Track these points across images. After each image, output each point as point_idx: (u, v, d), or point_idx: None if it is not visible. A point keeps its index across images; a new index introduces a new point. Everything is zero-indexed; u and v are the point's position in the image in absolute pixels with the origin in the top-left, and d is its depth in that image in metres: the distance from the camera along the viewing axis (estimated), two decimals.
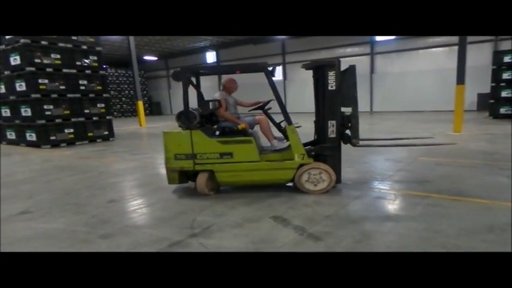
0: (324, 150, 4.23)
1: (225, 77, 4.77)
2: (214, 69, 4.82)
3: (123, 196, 4.63)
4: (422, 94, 18.51)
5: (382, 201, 3.87)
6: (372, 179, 4.82)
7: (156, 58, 27.73)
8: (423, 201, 3.83)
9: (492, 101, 12.86)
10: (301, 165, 4.17)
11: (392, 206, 3.76)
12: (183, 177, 4.41)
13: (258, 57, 22.17)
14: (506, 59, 12.10)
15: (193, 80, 4.70)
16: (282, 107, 4.21)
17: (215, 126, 4.50)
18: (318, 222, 3.30)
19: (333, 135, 4.15)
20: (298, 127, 4.35)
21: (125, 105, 27.78)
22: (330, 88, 4.03)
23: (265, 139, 4.63)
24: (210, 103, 4.35)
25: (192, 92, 4.23)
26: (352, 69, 4.04)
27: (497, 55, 12.49)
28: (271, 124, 4.64)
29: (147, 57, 26.62)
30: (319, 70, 4.15)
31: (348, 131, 4.30)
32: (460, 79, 8.92)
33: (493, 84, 12.67)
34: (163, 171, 4.85)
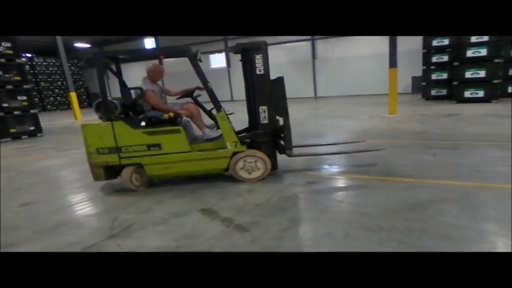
0: (257, 137, 4.09)
1: (149, 64, 4.39)
2: (135, 54, 4.38)
3: (41, 197, 4.16)
4: (362, 78, 19.23)
5: (314, 186, 3.84)
6: (308, 164, 4.79)
7: (89, 45, 25.70)
8: (354, 183, 3.86)
9: (424, 83, 13.62)
10: (235, 153, 4.02)
11: (323, 190, 3.73)
12: (110, 172, 4.06)
13: (199, 44, 21.58)
14: (435, 42, 12.78)
15: (114, 66, 4.37)
16: (211, 93, 3.99)
17: (142, 116, 4.14)
18: (248, 212, 3.17)
19: (265, 121, 4.02)
20: (230, 114, 4.19)
21: (59, 98, 25.68)
22: (258, 72, 3.88)
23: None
24: (133, 91, 4.05)
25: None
26: (280, 80, 3.89)
27: (427, 39, 13.10)
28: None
29: (78, 45, 24.49)
30: (246, 54, 3.97)
31: (282, 141, 4.20)
32: (392, 63, 9.27)
33: (424, 67, 13.39)
34: None
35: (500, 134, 5.89)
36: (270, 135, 4.09)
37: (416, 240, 2.43)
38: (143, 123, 3.97)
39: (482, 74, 11.05)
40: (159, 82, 4.51)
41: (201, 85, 4.21)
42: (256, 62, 3.85)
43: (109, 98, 3.94)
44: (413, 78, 17.65)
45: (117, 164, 3.92)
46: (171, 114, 4.00)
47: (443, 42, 12.59)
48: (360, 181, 3.90)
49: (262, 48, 3.85)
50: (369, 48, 18.80)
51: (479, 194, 3.24)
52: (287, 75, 4.39)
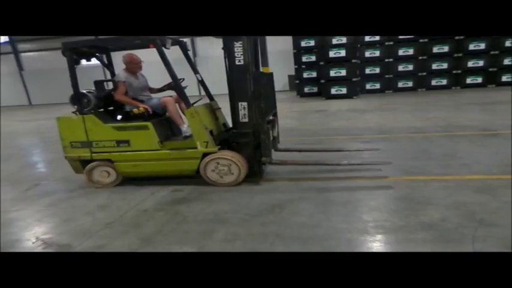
0: (235, 137, 3.67)
1: (125, 55, 4.01)
2: (110, 43, 4.00)
3: None
4: None
5: (178, 194, 3.56)
6: None
7: None
8: (218, 188, 3.71)
9: (297, 81, 14.60)
10: (206, 154, 3.58)
11: (185, 198, 3.46)
12: None
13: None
14: (303, 43, 13.73)
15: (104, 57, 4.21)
16: (178, 86, 3.66)
17: (120, 111, 3.98)
18: (93, 234, 2.72)
19: (245, 120, 3.58)
20: (218, 109, 4.20)
21: None
22: (237, 63, 3.43)
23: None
24: (106, 84, 4.05)
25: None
26: (269, 76, 3.65)
27: (296, 40, 13.91)
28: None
29: None
30: (226, 40, 3.45)
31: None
32: (263, 62, 9.61)
33: (296, 66, 14.32)
34: None
35: (357, 128, 6.56)
36: (250, 136, 3.63)
37: (269, 246, 2.37)
38: (119, 117, 3.83)
39: (343, 73, 12.33)
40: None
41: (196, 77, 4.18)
42: (236, 50, 3.39)
43: (83, 91, 3.81)
44: (290, 77, 18.78)
45: (88, 158, 3.80)
46: (141, 108, 3.80)
47: (310, 43, 13.60)
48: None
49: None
50: None
51: (333, 189, 3.42)
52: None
